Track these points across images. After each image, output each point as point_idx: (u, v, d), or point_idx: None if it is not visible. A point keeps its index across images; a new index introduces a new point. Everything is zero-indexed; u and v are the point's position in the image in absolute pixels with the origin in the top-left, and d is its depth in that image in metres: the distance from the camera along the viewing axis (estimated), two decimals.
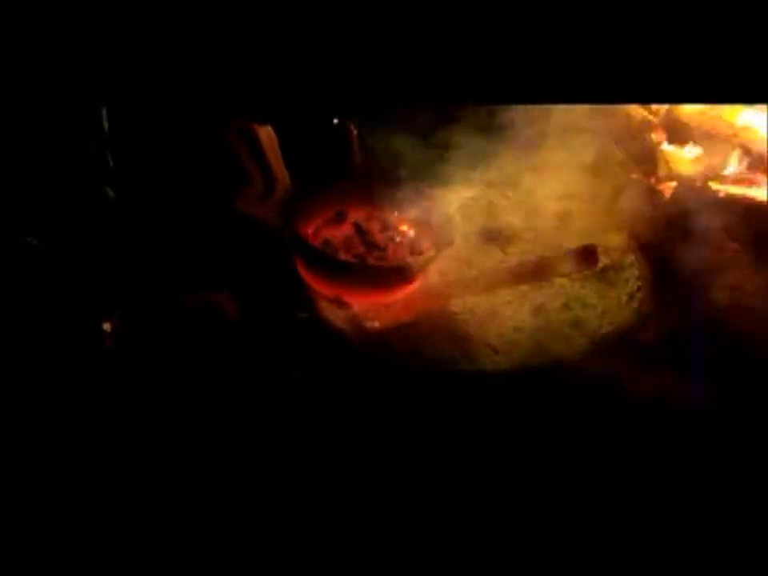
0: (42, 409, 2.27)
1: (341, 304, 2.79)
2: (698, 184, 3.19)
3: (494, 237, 3.13)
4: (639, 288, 2.88)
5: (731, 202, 3.04)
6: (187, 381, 2.50)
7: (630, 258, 2.98)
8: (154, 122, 2.94)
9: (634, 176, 3.33)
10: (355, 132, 3.23)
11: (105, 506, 2.08)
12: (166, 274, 2.86)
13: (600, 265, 2.93)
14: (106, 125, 2.86)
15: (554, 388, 2.60)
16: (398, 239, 2.95)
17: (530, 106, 3.16)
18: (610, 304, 2.84)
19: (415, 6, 2.35)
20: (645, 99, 3.05)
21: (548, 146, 3.16)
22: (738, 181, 3.20)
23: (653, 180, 3.34)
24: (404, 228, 3.03)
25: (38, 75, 2.36)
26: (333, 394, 2.55)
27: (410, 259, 2.88)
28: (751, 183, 3.15)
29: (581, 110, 3.20)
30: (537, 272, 2.89)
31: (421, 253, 2.92)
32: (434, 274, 2.88)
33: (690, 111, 3.42)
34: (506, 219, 3.16)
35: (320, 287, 2.84)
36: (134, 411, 2.30)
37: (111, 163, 2.91)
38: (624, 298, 2.86)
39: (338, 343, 2.69)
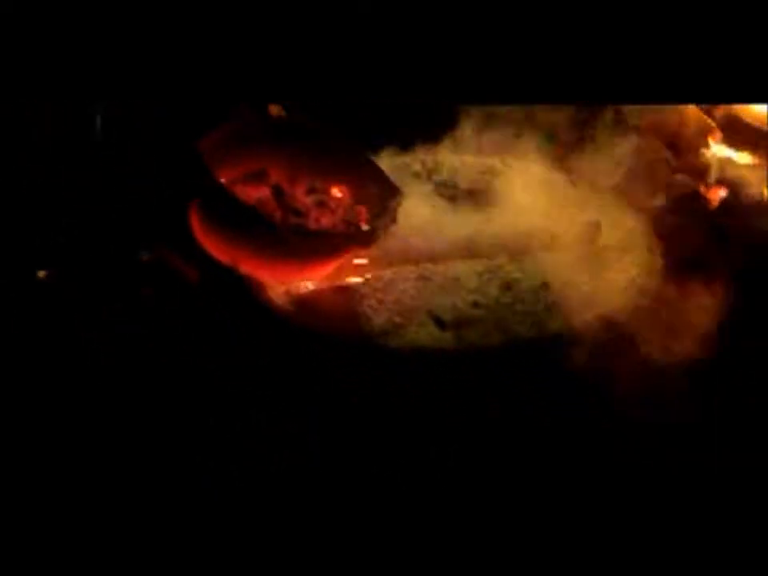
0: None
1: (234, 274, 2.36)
2: (753, 192, 2.79)
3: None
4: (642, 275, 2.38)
5: None
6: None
7: (640, 240, 2.49)
8: None
9: (678, 177, 2.88)
10: None
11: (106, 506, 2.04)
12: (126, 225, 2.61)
13: (599, 243, 2.50)
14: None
15: (509, 374, 2.13)
16: (329, 204, 2.44)
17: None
18: (600, 288, 2.32)
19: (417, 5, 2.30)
20: (644, 99, 2.67)
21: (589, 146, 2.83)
22: None
23: (702, 185, 2.89)
24: (337, 193, 2.48)
25: (38, 75, 2.33)
26: (259, 365, 2.26)
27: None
28: None
29: (631, 108, 2.94)
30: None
31: (357, 223, 2.42)
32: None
33: (755, 113, 2.99)
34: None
35: (215, 249, 2.39)
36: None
37: None
38: (621, 284, 2.34)
39: (264, 311, 2.34)
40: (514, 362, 2.16)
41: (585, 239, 2.49)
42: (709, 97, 2.56)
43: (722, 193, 2.81)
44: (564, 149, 2.88)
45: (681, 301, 2.25)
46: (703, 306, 2.25)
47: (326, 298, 2.35)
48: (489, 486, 2.01)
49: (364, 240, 2.41)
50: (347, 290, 2.37)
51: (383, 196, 2.47)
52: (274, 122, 2.62)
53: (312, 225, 2.39)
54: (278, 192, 2.42)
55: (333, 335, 2.24)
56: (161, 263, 2.50)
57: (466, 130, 2.85)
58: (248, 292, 2.34)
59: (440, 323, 2.24)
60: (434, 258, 2.45)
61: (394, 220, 2.44)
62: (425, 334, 2.23)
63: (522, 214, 2.58)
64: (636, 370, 2.10)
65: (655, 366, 2.13)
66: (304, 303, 2.33)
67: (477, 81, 2.31)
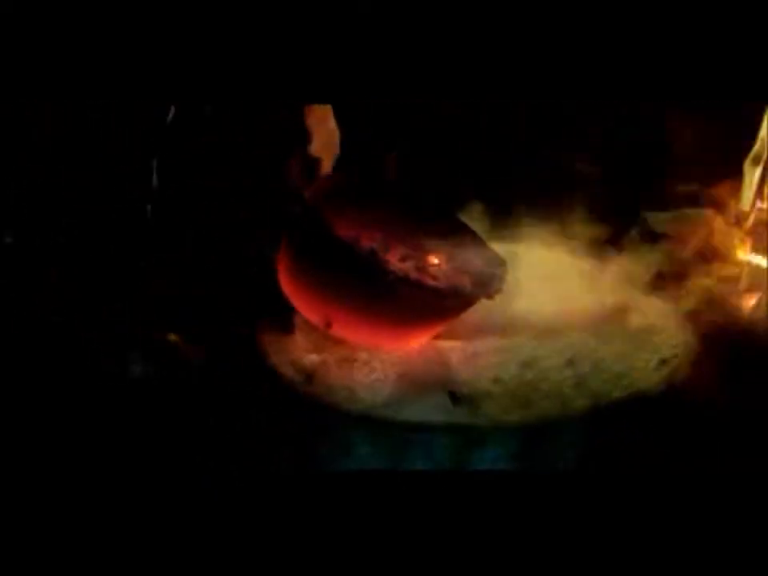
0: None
1: (327, 326, 2.23)
2: None
3: None
4: (676, 355, 2.22)
5: None
6: None
7: (671, 321, 2.37)
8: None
9: (707, 282, 2.74)
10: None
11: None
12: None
13: (630, 324, 2.38)
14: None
15: (530, 452, 1.93)
16: (428, 270, 2.35)
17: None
18: (631, 367, 2.18)
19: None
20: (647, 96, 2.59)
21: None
22: None
23: (733, 293, 2.80)
24: (435, 261, 2.40)
25: (38, 75, 2.27)
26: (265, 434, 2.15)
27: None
28: None
29: (660, 216, 2.94)
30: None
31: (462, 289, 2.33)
32: None
33: None
34: None
35: (306, 305, 2.27)
36: None
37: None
38: (653, 364, 2.20)
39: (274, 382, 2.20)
40: (534, 438, 1.98)
41: (613, 320, 2.35)
42: (709, 95, 2.41)
43: (753, 300, 2.70)
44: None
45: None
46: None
47: (332, 368, 2.20)
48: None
49: (467, 306, 2.29)
50: (354, 361, 2.23)
51: (488, 265, 2.36)
52: (372, 182, 2.55)
53: (425, 279, 2.27)
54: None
55: (338, 406, 2.08)
56: (166, 344, 2.39)
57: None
58: (254, 360, 2.21)
59: (454, 397, 2.07)
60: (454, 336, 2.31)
61: (499, 289, 2.30)
62: (437, 407, 2.06)
63: (547, 298, 2.44)
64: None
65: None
66: (309, 373, 2.19)
67: (476, 79, 2.26)
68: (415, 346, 2.27)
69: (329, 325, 2.23)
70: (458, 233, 2.44)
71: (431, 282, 2.27)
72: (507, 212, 2.72)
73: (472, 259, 2.37)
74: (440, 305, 2.26)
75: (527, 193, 2.86)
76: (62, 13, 2.23)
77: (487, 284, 2.30)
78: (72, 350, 2.34)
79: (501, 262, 2.37)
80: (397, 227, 2.39)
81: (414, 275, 2.27)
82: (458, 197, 2.68)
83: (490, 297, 2.28)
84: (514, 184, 2.98)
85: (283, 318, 2.33)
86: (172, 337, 2.43)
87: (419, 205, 2.50)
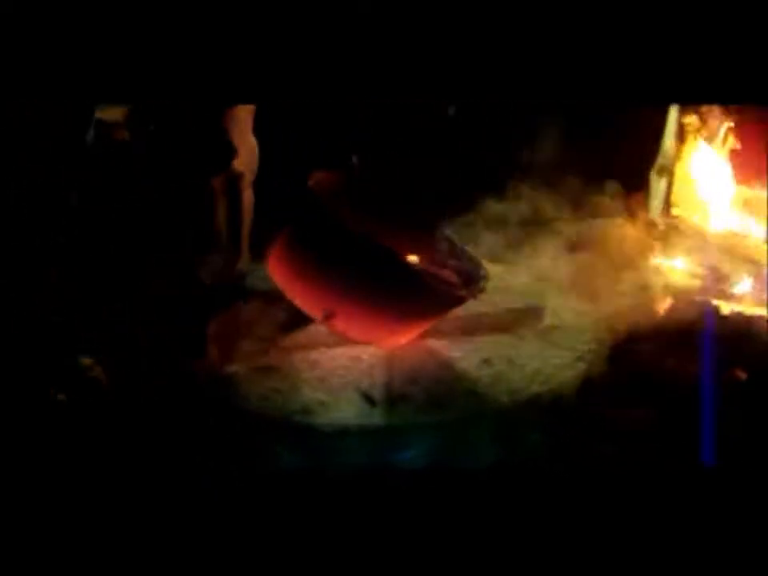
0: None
1: (328, 323, 2.21)
2: (698, 299, 2.74)
3: None
4: (590, 351, 2.19)
5: (731, 319, 2.62)
6: None
7: (585, 321, 2.39)
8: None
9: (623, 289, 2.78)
10: None
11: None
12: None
13: (544, 324, 2.39)
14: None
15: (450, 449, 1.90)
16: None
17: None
18: (546, 364, 2.16)
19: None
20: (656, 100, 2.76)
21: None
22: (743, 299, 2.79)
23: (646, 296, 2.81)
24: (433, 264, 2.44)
25: (39, 75, 2.26)
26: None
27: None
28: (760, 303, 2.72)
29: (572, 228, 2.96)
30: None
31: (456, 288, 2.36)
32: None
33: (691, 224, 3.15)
34: None
35: (303, 297, 2.24)
36: None
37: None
38: (567, 360, 2.20)
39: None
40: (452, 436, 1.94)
41: (527, 320, 2.34)
42: (710, 97, 2.55)
43: (668, 301, 2.74)
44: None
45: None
46: None
47: (248, 375, 2.14)
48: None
49: (459, 305, 2.29)
50: (270, 369, 2.17)
51: (473, 268, 2.40)
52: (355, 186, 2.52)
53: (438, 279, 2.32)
54: None
55: (255, 412, 2.03)
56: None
57: None
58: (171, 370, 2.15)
59: (370, 399, 2.03)
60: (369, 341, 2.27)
61: (484, 289, 2.31)
62: (354, 409, 2.01)
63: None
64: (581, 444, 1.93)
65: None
66: (227, 380, 2.14)
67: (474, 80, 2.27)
68: (402, 344, 2.27)
69: (329, 317, 2.19)
70: (439, 238, 2.47)
71: (445, 283, 2.30)
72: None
73: (461, 263, 2.41)
74: (445, 303, 2.26)
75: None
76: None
77: (475, 285, 2.32)
78: None
79: (481, 265, 2.40)
80: (386, 231, 2.38)
81: (428, 274, 2.30)
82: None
83: (475, 297, 2.29)
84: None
85: (199, 329, 2.28)
86: (86, 360, 2.36)
87: (400, 211, 2.52)
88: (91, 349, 2.33)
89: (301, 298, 2.25)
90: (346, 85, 2.24)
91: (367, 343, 2.24)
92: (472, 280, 2.35)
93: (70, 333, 2.37)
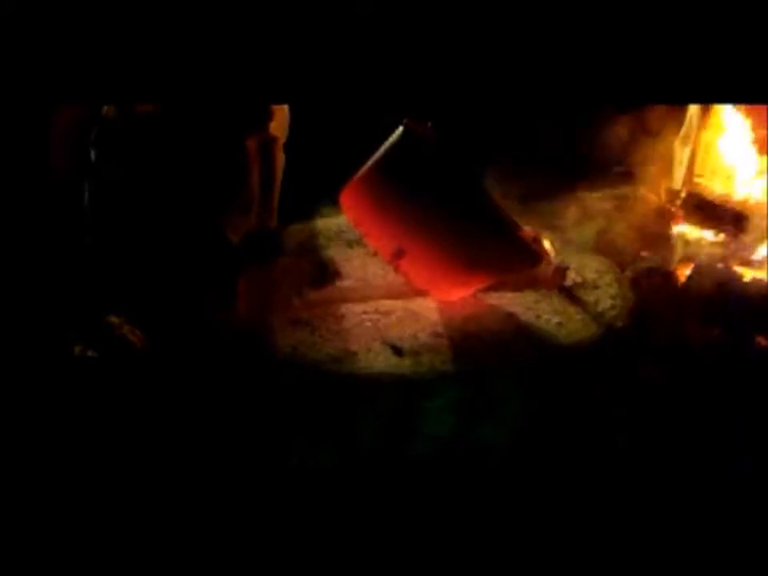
0: None
1: (398, 255, 2.22)
2: (720, 266, 2.73)
3: None
4: (614, 307, 2.28)
5: (753, 286, 2.58)
6: None
7: (608, 278, 2.43)
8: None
9: (643, 254, 2.82)
10: None
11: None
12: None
13: (569, 281, 2.43)
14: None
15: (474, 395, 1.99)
16: None
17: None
18: (570, 318, 2.24)
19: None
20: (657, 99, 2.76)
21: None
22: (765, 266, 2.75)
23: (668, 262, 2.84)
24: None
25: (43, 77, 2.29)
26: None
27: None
28: None
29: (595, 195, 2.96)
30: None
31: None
32: None
33: (716, 194, 3.08)
34: None
35: (379, 231, 2.27)
36: None
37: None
38: (591, 316, 2.27)
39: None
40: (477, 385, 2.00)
41: (553, 277, 2.39)
42: (709, 97, 2.58)
43: (687, 270, 2.73)
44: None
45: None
46: None
47: (278, 328, 2.21)
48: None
49: (535, 263, 2.33)
50: (299, 322, 2.23)
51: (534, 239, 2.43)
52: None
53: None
54: None
55: (285, 362, 2.09)
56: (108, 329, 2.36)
57: None
58: (198, 327, 2.21)
59: (397, 350, 2.09)
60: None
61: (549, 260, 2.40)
62: (381, 359, 2.08)
63: None
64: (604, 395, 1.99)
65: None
66: (257, 333, 2.20)
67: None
68: (458, 299, 2.30)
69: (400, 254, 2.23)
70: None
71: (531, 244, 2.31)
72: None
73: (527, 233, 2.42)
74: (525, 261, 2.30)
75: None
76: None
77: (544, 254, 2.38)
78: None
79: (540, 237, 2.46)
80: None
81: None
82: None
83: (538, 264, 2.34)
84: None
85: (227, 287, 2.33)
86: (114, 319, 2.41)
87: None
88: (121, 307, 2.40)
89: (375, 233, 2.29)
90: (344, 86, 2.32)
91: (428, 291, 2.29)
92: (542, 251, 2.40)
93: (99, 291, 2.45)
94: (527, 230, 2.41)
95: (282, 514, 1.86)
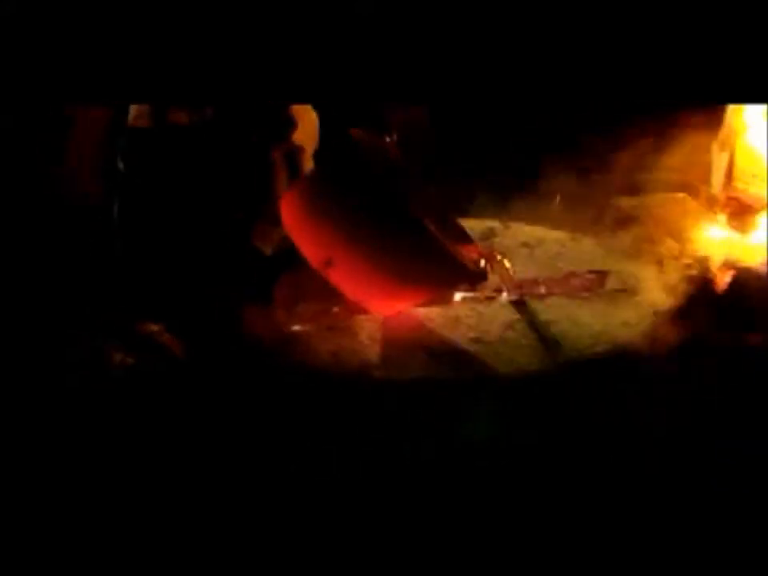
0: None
1: (326, 265, 2.18)
2: (760, 271, 2.68)
3: None
4: (654, 314, 2.27)
5: None
6: None
7: (649, 284, 2.41)
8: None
9: (685, 261, 2.77)
10: None
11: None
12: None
13: (608, 288, 2.41)
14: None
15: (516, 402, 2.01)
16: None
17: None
18: (610, 325, 2.22)
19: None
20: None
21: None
22: None
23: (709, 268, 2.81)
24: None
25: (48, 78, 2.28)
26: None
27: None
28: None
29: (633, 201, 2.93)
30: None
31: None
32: None
33: (756, 199, 3.00)
34: None
35: (309, 241, 2.23)
36: None
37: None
38: (632, 322, 2.25)
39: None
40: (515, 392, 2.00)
41: (592, 283, 2.39)
42: (709, 97, 2.52)
43: (728, 275, 2.69)
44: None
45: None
46: None
47: (313, 336, 2.21)
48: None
49: (475, 280, 2.31)
50: (336, 329, 2.24)
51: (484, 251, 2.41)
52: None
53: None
54: None
55: (324, 371, 2.09)
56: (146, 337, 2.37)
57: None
58: (236, 332, 2.21)
59: (432, 355, 2.09)
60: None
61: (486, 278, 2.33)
62: (420, 367, 2.08)
63: (525, 266, 2.48)
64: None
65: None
66: (293, 342, 2.20)
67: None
68: (394, 313, 2.26)
69: (329, 264, 2.19)
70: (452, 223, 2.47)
71: (458, 256, 2.26)
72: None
73: (469, 247, 2.41)
74: (455, 282, 2.28)
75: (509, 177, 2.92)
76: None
77: (481, 272, 2.32)
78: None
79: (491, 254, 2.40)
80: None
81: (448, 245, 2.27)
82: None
83: (485, 279, 2.31)
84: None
85: (263, 292, 2.34)
86: (152, 327, 2.43)
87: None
88: (160, 315, 2.41)
89: (305, 241, 2.24)
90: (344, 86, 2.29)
91: (359, 302, 2.23)
92: (480, 268, 2.33)
93: (138, 299, 2.46)
94: (472, 247, 2.39)
95: (323, 520, 1.87)
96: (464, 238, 2.43)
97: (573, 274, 2.42)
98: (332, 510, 1.87)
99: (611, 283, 2.39)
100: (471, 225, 2.63)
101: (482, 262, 2.31)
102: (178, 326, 2.36)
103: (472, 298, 2.33)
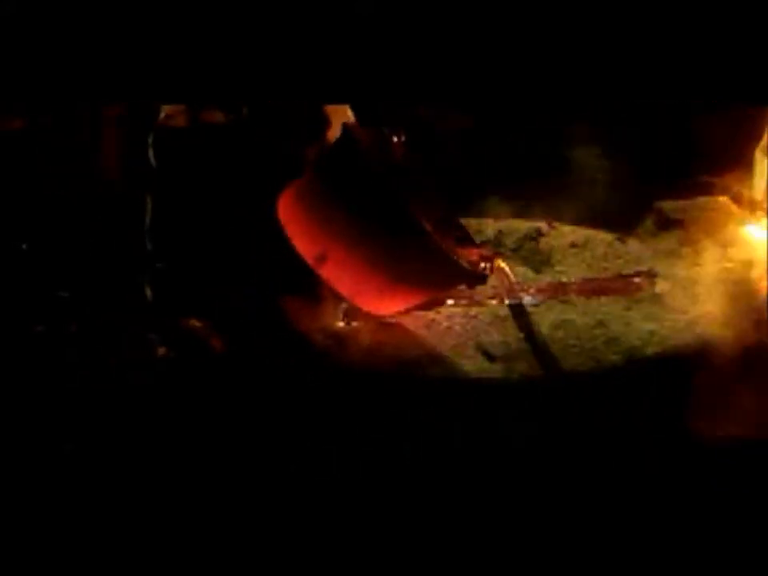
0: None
1: (320, 260, 2.16)
2: None
3: None
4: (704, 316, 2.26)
5: None
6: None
7: (695, 288, 2.39)
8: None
9: (727, 265, 2.75)
10: None
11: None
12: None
13: (657, 289, 2.41)
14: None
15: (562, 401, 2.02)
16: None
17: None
18: (661, 326, 2.21)
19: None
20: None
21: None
22: None
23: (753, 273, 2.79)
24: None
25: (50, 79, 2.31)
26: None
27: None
28: None
29: (675, 205, 2.92)
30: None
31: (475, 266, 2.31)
32: None
33: None
34: None
35: (303, 235, 2.20)
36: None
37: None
38: (682, 324, 2.24)
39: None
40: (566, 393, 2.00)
41: (641, 284, 2.38)
42: (709, 96, 2.53)
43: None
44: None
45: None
46: None
47: (363, 334, 2.20)
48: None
49: (473, 282, 2.28)
50: (386, 326, 2.23)
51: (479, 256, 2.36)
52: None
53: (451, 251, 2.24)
54: None
55: (372, 369, 2.09)
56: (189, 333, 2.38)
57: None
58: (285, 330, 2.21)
59: (490, 356, 2.09)
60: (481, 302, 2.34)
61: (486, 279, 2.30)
62: (474, 365, 2.08)
63: (573, 267, 2.49)
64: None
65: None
66: (340, 339, 2.20)
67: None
68: (388, 313, 2.25)
69: (322, 259, 2.18)
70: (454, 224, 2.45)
71: (455, 257, 2.23)
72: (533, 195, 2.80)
73: (470, 249, 2.37)
74: (453, 283, 2.26)
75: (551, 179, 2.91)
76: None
77: (480, 274, 2.29)
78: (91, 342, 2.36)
79: (494, 252, 2.41)
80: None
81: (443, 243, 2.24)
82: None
83: (479, 283, 2.29)
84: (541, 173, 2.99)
85: (308, 290, 2.34)
86: (195, 322, 2.43)
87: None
88: (203, 312, 2.42)
89: (300, 237, 2.22)
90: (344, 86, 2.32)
91: (352, 301, 2.22)
92: (479, 269, 2.30)
93: (180, 295, 2.47)
94: (473, 249, 2.36)
95: (366, 516, 1.90)
96: (466, 239, 2.41)
97: (621, 276, 2.43)
98: (364, 505, 1.92)
99: (660, 284, 2.39)
100: (518, 225, 2.69)
101: (482, 264, 2.29)
102: (221, 322, 2.38)
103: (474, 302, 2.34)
